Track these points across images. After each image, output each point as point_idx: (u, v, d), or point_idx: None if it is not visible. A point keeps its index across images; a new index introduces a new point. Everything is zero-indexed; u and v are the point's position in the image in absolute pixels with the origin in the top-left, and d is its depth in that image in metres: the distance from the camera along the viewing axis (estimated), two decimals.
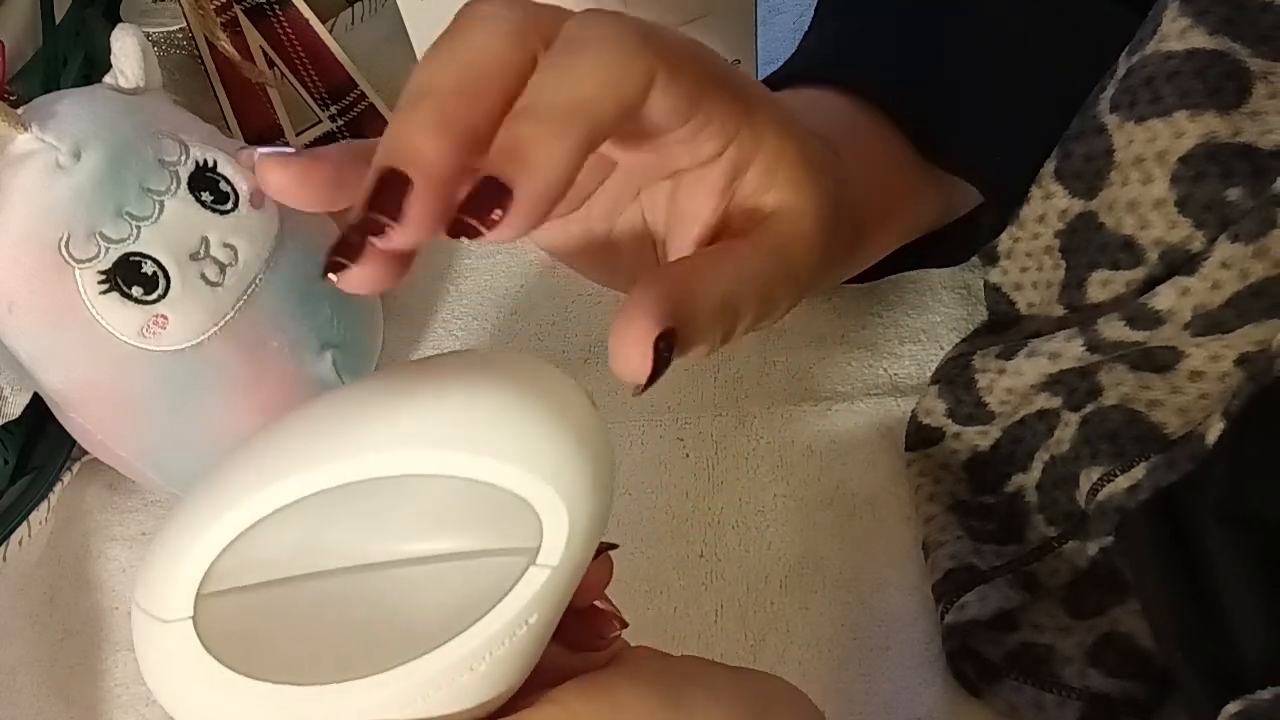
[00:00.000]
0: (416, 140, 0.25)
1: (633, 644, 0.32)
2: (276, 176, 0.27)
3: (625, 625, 0.31)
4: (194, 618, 0.27)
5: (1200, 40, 0.36)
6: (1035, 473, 0.43)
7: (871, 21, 0.45)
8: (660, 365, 0.27)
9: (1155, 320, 0.37)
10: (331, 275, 0.25)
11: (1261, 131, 0.36)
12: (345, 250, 0.25)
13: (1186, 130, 0.36)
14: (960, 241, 0.45)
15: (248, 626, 0.27)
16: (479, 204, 0.24)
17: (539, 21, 0.26)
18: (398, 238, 0.25)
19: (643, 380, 0.27)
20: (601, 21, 0.26)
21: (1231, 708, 0.33)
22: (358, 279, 0.26)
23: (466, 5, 0.27)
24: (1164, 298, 0.36)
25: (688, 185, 0.32)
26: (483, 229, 0.24)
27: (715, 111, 0.29)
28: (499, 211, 0.24)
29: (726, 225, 0.32)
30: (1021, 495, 0.43)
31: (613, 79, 0.26)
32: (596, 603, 0.31)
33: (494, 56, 0.26)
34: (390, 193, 0.25)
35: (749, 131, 0.30)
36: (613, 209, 0.35)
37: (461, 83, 0.25)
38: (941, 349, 0.49)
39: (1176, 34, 0.37)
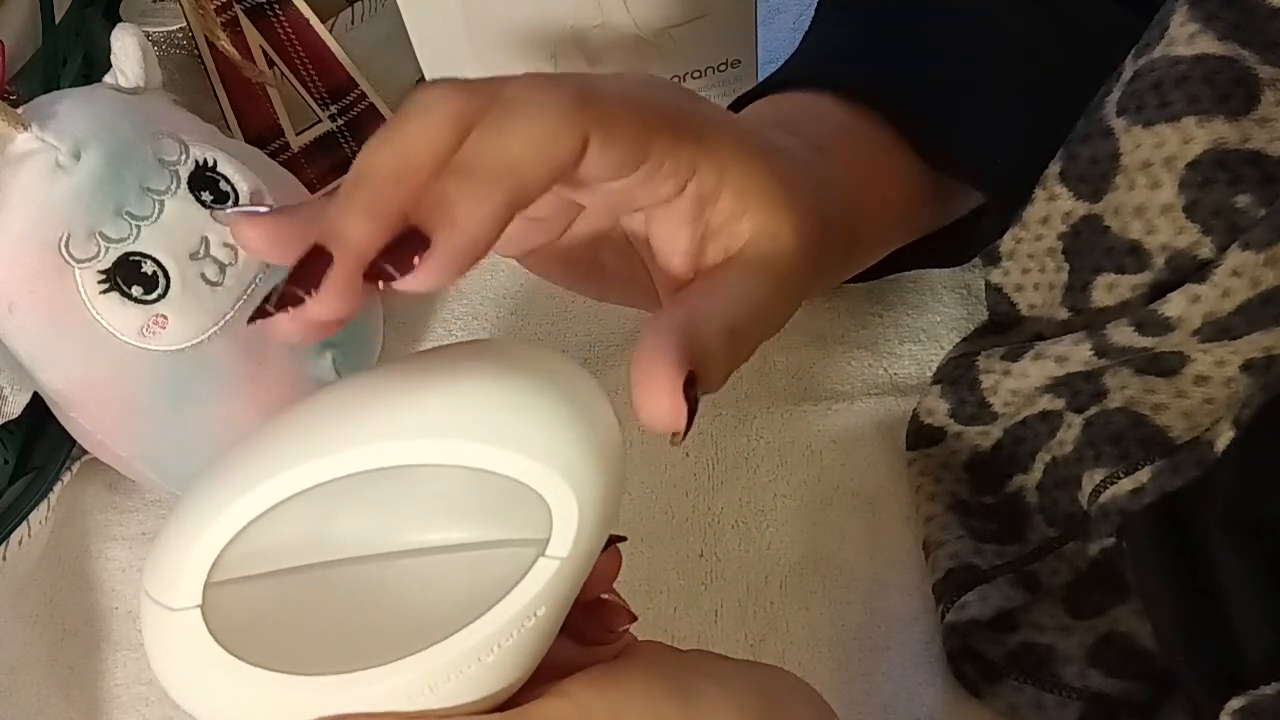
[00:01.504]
0: (342, 221, 0.26)
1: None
2: (247, 233, 0.28)
3: (634, 619, 0.31)
4: (202, 606, 0.27)
5: (1209, 46, 0.36)
6: (1036, 473, 0.43)
7: (870, 23, 0.45)
8: (693, 409, 0.28)
9: (1165, 327, 0.37)
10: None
11: (1270, 138, 0.36)
12: (263, 314, 0.26)
13: (1195, 136, 0.36)
14: (961, 242, 0.45)
15: (256, 615, 0.27)
16: (397, 251, 0.26)
17: (477, 103, 0.27)
18: (313, 309, 0.26)
19: (681, 428, 0.28)
20: (535, 85, 0.27)
21: (1234, 703, 0.34)
22: (286, 330, 0.27)
23: (411, 94, 0.28)
24: (1174, 304, 0.36)
25: (659, 219, 0.32)
26: (397, 274, 0.26)
27: (665, 155, 0.29)
28: (416, 260, 0.25)
29: (708, 251, 0.32)
30: (1022, 495, 0.43)
31: (541, 142, 0.27)
32: (604, 596, 0.31)
33: (428, 143, 0.27)
34: (312, 269, 0.26)
35: (709, 164, 0.30)
36: (595, 236, 0.35)
37: (394, 168, 0.27)
38: (941, 349, 0.49)
39: (1185, 39, 0.37)
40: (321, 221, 0.26)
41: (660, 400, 0.28)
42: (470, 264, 0.26)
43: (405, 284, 0.26)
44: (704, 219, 0.31)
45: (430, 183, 0.27)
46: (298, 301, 0.26)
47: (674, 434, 0.28)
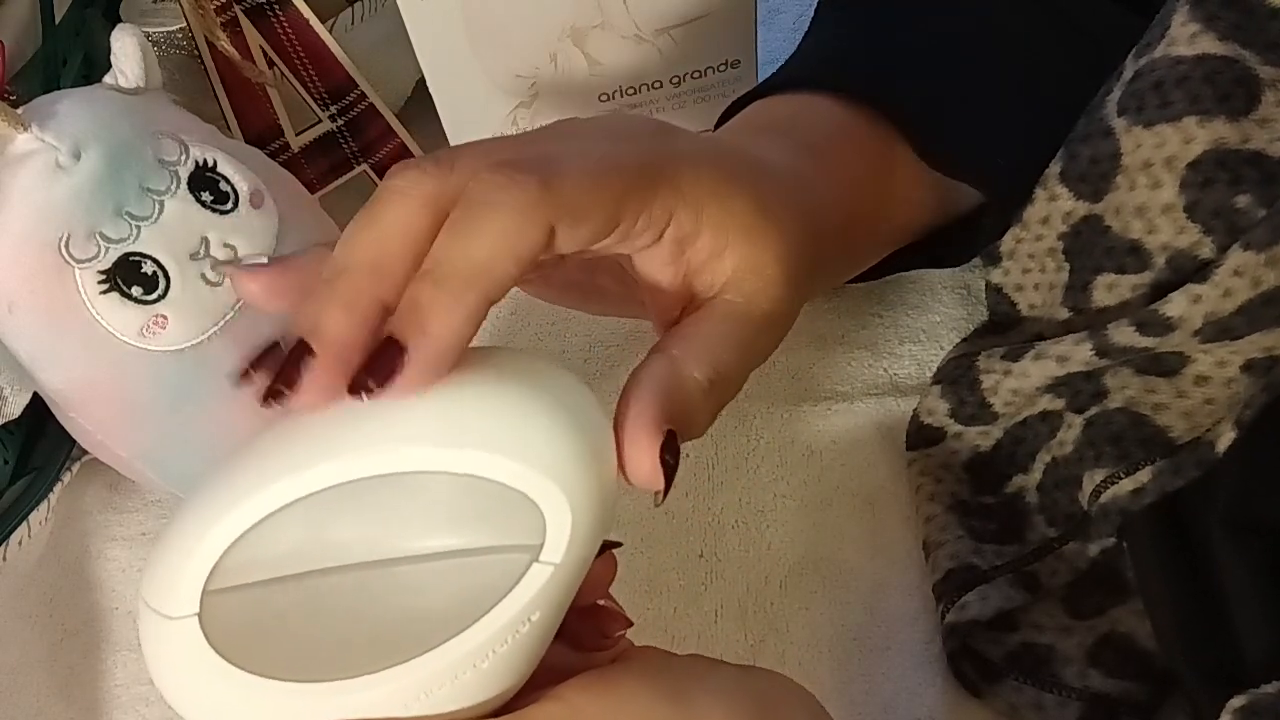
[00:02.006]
0: (323, 315, 0.27)
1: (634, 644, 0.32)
2: (248, 286, 0.30)
3: (630, 624, 0.31)
4: (200, 614, 0.27)
5: (1210, 46, 0.36)
6: (1036, 474, 0.43)
7: (870, 24, 0.45)
8: (671, 470, 0.29)
9: (1166, 327, 0.37)
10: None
11: (1270, 139, 0.36)
12: (249, 378, 0.28)
13: (1196, 136, 0.36)
14: (962, 242, 0.45)
15: (253, 623, 0.27)
16: (377, 364, 0.27)
17: (450, 186, 0.28)
18: (295, 403, 0.27)
19: (660, 488, 0.29)
20: (497, 184, 0.28)
21: (1235, 702, 0.34)
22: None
23: (386, 177, 0.29)
24: (1175, 305, 0.36)
25: (640, 261, 0.32)
26: (377, 388, 0.26)
27: (639, 213, 0.30)
28: (396, 370, 0.26)
29: (694, 286, 0.32)
30: (1022, 496, 0.43)
31: (508, 241, 0.27)
32: (600, 601, 0.31)
33: (404, 231, 0.28)
34: (294, 364, 0.27)
35: (685, 208, 0.31)
36: (587, 267, 0.36)
37: (372, 261, 0.28)
38: (941, 349, 0.49)
39: (1186, 39, 0.37)
40: (301, 314, 0.27)
41: (641, 462, 0.29)
42: (451, 364, 0.27)
43: (388, 395, 0.26)
44: (684, 259, 0.32)
45: (408, 270, 0.27)
46: (281, 397, 0.27)
47: (655, 493, 0.29)
